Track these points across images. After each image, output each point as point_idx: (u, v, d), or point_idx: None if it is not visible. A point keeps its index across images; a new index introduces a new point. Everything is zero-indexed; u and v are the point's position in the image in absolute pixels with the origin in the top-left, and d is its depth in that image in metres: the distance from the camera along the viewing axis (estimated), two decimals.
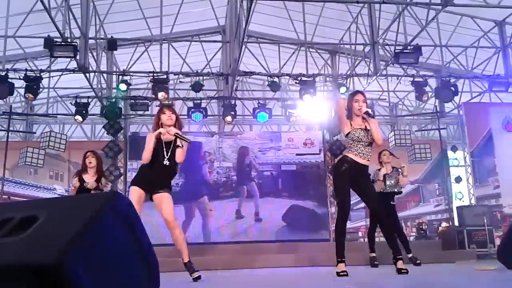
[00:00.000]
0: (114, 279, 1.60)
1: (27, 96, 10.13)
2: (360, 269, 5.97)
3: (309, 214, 12.02)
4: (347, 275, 4.29)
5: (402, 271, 4.34)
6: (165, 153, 4.50)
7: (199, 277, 4.34)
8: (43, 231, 1.59)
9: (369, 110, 4.64)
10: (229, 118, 11.91)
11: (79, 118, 11.32)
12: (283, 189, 12.30)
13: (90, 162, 6.07)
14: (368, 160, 4.58)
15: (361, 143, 4.51)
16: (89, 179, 6.04)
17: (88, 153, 6.20)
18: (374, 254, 6.82)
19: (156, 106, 12.23)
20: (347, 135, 4.60)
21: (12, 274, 1.45)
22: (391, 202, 6.91)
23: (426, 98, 11.29)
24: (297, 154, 12.44)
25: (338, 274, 4.33)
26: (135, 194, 4.42)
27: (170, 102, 10.12)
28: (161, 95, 10.51)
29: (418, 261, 6.71)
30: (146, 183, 4.48)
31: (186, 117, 12.16)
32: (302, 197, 12.17)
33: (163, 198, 4.47)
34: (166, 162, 4.48)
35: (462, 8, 10.02)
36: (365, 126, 4.60)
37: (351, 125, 4.60)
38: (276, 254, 9.28)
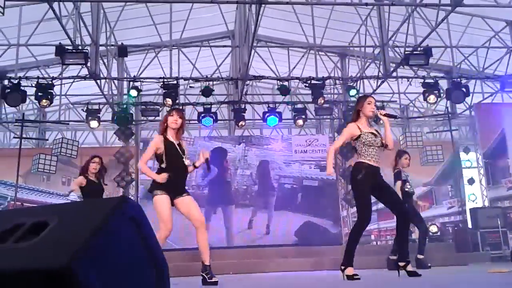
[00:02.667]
0: (124, 284, 1.61)
1: (41, 104, 10.24)
2: (374, 272, 5.94)
3: (322, 231, 11.69)
4: (359, 278, 4.27)
5: (413, 273, 4.34)
6: (180, 152, 4.48)
7: (215, 283, 4.30)
8: (54, 237, 1.61)
9: (388, 113, 4.74)
10: (241, 123, 11.96)
11: (94, 123, 11.41)
12: (301, 204, 12.01)
13: (94, 168, 6.21)
14: (379, 163, 4.55)
15: (372, 147, 4.49)
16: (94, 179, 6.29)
17: (97, 158, 6.31)
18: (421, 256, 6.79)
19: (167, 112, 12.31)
20: (357, 138, 4.51)
21: (23, 279, 1.47)
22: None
23: (435, 100, 11.12)
24: (320, 171, 12.07)
25: (350, 277, 4.31)
26: (166, 203, 4.35)
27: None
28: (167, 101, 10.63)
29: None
30: (172, 188, 4.39)
31: (196, 121, 12.24)
32: (319, 214, 11.87)
33: (191, 201, 4.47)
34: (186, 161, 4.49)
35: (472, 8, 9.95)
36: (375, 130, 4.60)
37: (359, 128, 4.55)
38: (291, 258, 9.23)
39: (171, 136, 4.52)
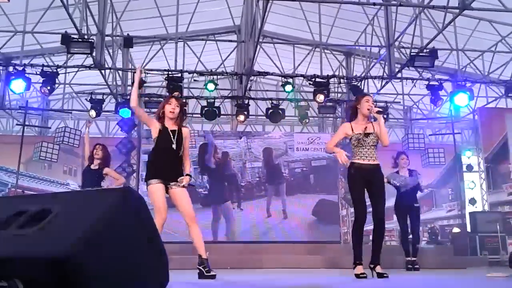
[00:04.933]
0: (125, 273, 1.62)
1: (43, 90, 10.25)
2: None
3: (335, 207, 12.18)
4: (366, 277, 4.34)
5: (384, 275, 4.40)
6: (172, 138, 4.38)
7: (213, 276, 4.27)
8: (57, 225, 1.62)
9: (380, 109, 4.73)
10: (241, 118, 11.93)
11: (92, 113, 11.43)
12: (314, 184, 12.31)
13: (97, 154, 6.33)
14: (374, 160, 4.58)
15: (363, 147, 4.55)
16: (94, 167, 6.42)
17: (97, 145, 6.43)
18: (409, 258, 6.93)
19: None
20: (350, 139, 4.64)
21: (24, 265, 1.48)
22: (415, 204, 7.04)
23: (440, 103, 11.16)
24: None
25: (357, 276, 4.37)
26: (160, 191, 4.28)
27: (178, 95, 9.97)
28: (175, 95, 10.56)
29: (416, 266, 6.80)
30: (162, 173, 4.32)
31: (199, 115, 12.23)
32: (333, 191, 12.24)
33: (183, 195, 4.35)
34: (174, 146, 4.36)
35: (479, 12, 9.91)
36: (365, 128, 4.58)
37: (352, 130, 4.62)
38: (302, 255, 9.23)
39: (167, 123, 4.46)
